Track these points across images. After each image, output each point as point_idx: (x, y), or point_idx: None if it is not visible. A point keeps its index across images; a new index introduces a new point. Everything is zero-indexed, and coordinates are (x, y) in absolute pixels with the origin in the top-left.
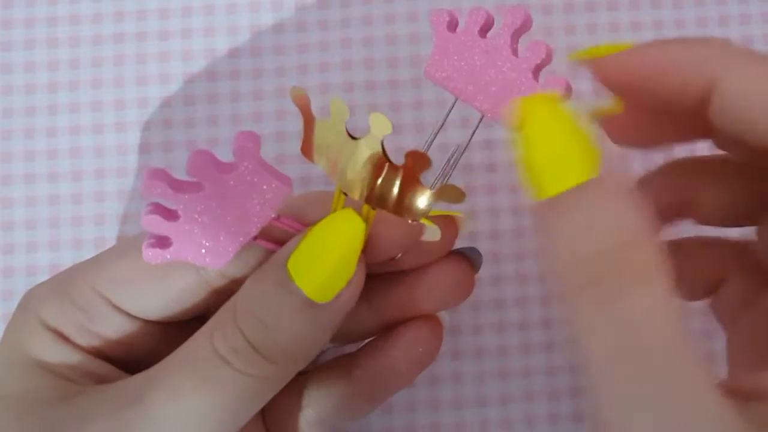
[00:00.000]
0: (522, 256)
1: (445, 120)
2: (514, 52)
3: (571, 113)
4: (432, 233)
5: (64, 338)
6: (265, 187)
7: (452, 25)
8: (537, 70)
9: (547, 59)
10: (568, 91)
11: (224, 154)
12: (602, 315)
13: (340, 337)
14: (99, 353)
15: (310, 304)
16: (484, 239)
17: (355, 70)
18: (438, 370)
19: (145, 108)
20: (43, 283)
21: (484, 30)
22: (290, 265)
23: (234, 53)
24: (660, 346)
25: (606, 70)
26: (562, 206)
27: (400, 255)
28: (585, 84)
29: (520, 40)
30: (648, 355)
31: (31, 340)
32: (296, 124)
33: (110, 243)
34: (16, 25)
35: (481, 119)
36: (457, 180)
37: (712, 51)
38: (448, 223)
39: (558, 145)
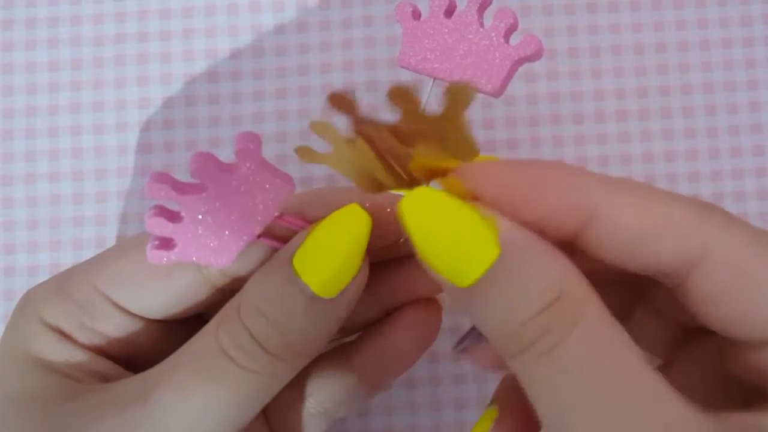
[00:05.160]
0: None
1: (426, 102)
2: (482, 24)
3: (451, 199)
4: None
5: (66, 336)
6: (267, 186)
7: (416, 14)
8: (507, 34)
9: (515, 23)
10: (540, 52)
11: (225, 155)
12: (548, 365)
13: (343, 328)
14: (101, 351)
15: (316, 299)
16: None
17: (357, 70)
18: (439, 370)
19: (147, 108)
20: (42, 283)
21: (450, 12)
22: (296, 262)
23: (235, 54)
24: (611, 372)
25: (474, 180)
26: (481, 291)
27: (403, 238)
28: (587, 84)
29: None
30: (602, 384)
31: (32, 339)
32: (297, 125)
33: (111, 243)
34: (17, 26)
35: None
36: None
37: (591, 179)
38: None
39: (453, 237)
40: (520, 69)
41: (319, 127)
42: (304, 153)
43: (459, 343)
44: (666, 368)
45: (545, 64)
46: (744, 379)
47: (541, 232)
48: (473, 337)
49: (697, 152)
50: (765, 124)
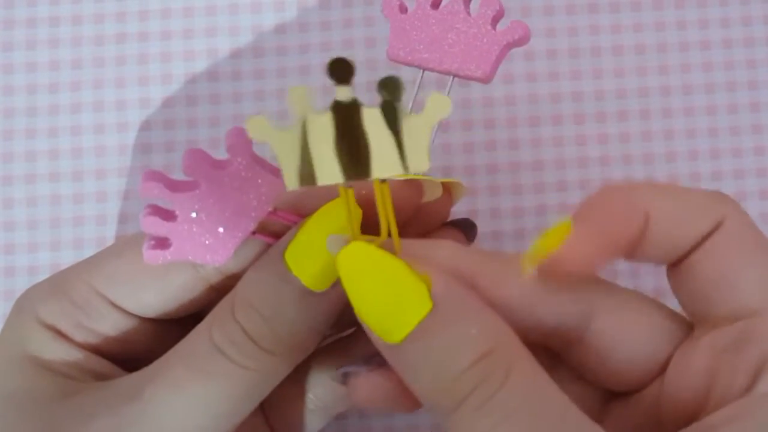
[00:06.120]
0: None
1: (416, 94)
2: (469, 14)
3: (386, 254)
4: (432, 190)
5: (63, 336)
6: (259, 181)
7: (403, 8)
8: (494, 22)
9: (501, 10)
10: (527, 36)
11: (226, 155)
12: (484, 418)
13: (339, 323)
14: (97, 351)
15: (308, 293)
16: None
17: (358, 70)
18: None
19: (147, 108)
20: (39, 283)
21: (436, 4)
22: (288, 256)
23: (236, 54)
24: (546, 421)
25: (558, 266)
26: (413, 347)
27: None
28: (588, 84)
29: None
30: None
31: (29, 338)
32: None
33: (111, 243)
34: (17, 26)
35: (453, 80)
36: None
37: (641, 190)
38: (443, 189)
39: (386, 292)
40: (522, 69)
41: (297, 94)
42: (256, 127)
43: (342, 367)
44: None
45: (546, 65)
46: (679, 411)
47: (613, 250)
48: (358, 363)
49: (698, 152)
50: (766, 125)
